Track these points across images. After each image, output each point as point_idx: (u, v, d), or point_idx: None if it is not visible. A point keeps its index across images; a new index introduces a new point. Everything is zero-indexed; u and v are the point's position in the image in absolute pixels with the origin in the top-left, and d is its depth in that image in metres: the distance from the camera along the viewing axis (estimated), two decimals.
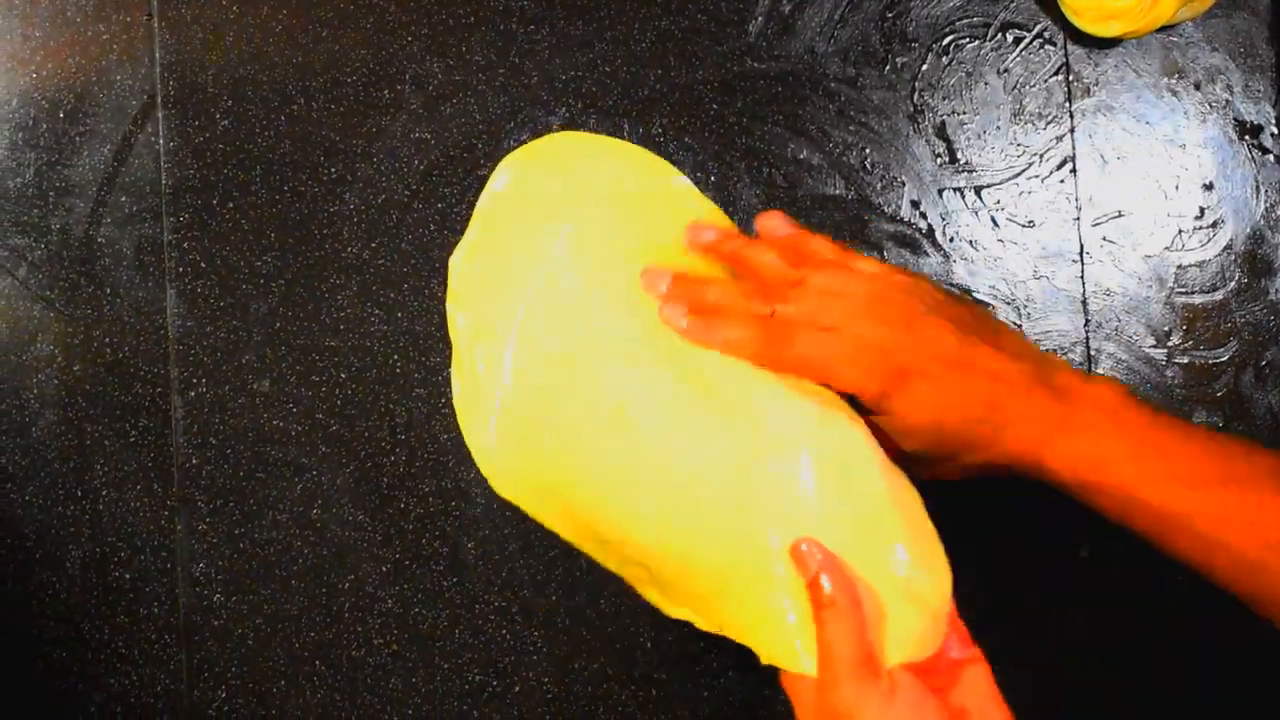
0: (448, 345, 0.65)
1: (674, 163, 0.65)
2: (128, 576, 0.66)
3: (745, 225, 0.65)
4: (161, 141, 0.67)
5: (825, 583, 0.49)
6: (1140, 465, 0.49)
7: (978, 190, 0.65)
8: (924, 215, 0.65)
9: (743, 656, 0.63)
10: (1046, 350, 0.65)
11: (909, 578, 0.51)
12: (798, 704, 0.51)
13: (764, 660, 0.52)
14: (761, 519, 0.52)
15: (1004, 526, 0.62)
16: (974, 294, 0.65)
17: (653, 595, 0.59)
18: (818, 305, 0.52)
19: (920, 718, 0.46)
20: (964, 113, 0.66)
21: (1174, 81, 0.65)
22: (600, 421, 0.56)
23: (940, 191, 0.65)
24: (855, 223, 0.65)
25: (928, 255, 0.65)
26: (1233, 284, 0.64)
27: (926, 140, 0.66)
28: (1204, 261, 0.65)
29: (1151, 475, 0.49)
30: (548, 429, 0.57)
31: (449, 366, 0.65)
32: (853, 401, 0.53)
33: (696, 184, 0.65)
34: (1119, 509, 0.50)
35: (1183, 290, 0.65)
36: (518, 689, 0.64)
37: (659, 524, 0.54)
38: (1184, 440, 0.50)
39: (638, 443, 0.55)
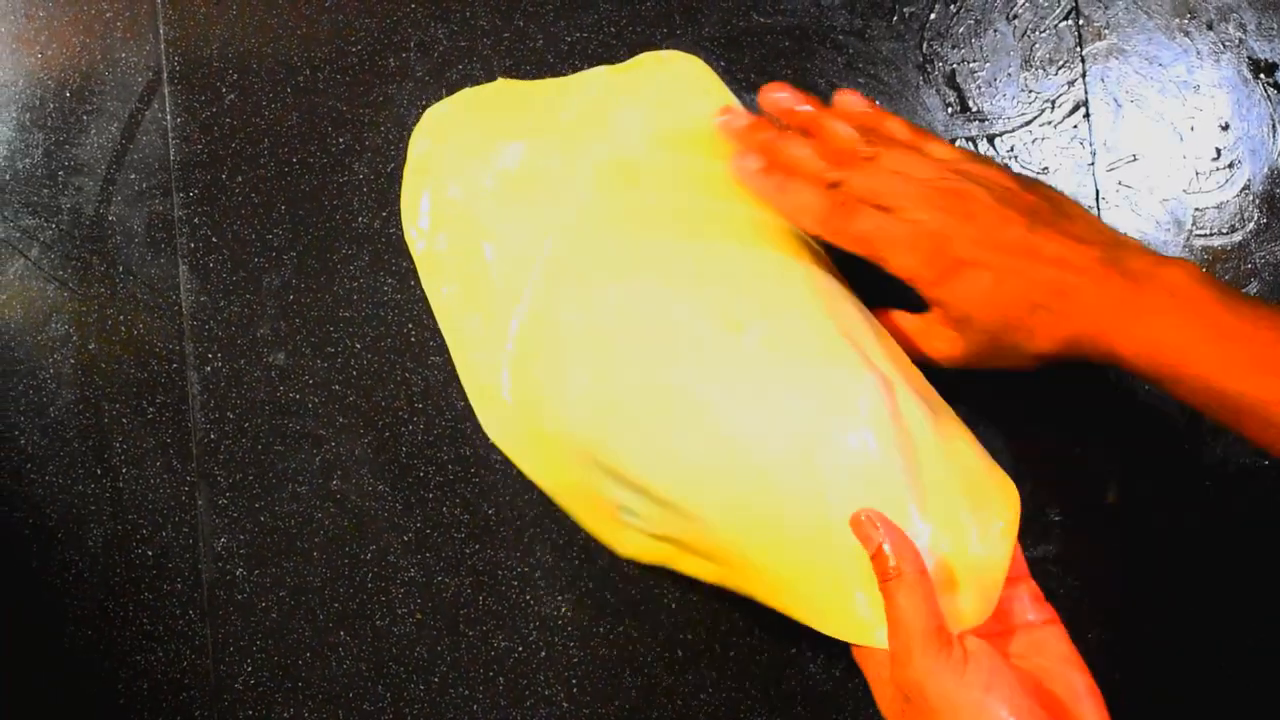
0: None
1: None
2: (150, 553, 0.66)
3: None
4: (169, 118, 0.66)
5: (889, 554, 0.47)
6: (1215, 350, 0.47)
7: (990, 139, 0.65)
8: None
9: (767, 615, 0.63)
10: None
11: (969, 541, 0.50)
12: (871, 678, 0.50)
13: (832, 635, 0.51)
14: (821, 486, 0.50)
15: (1030, 464, 0.62)
16: None
17: (689, 565, 0.58)
18: (884, 183, 0.52)
19: (994, 686, 0.45)
20: (974, 61, 0.65)
21: (1186, 22, 0.64)
22: (649, 371, 0.54)
23: (953, 141, 0.65)
24: None
25: None
26: (1252, 224, 0.64)
27: (937, 90, 0.65)
28: (1222, 203, 0.64)
29: (1227, 361, 0.47)
30: (577, 370, 0.56)
31: None
32: (912, 298, 0.53)
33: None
34: (1195, 396, 0.48)
35: (1201, 233, 0.64)
36: (543, 654, 0.64)
37: (713, 488, 0.52)
38: (1262, 324, 0.47)
39: (691, 398, 0.53)
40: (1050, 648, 0.49)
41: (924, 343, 0.55)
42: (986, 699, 0.44)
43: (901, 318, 0.56)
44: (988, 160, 0.55)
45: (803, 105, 0.57)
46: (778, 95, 0.57)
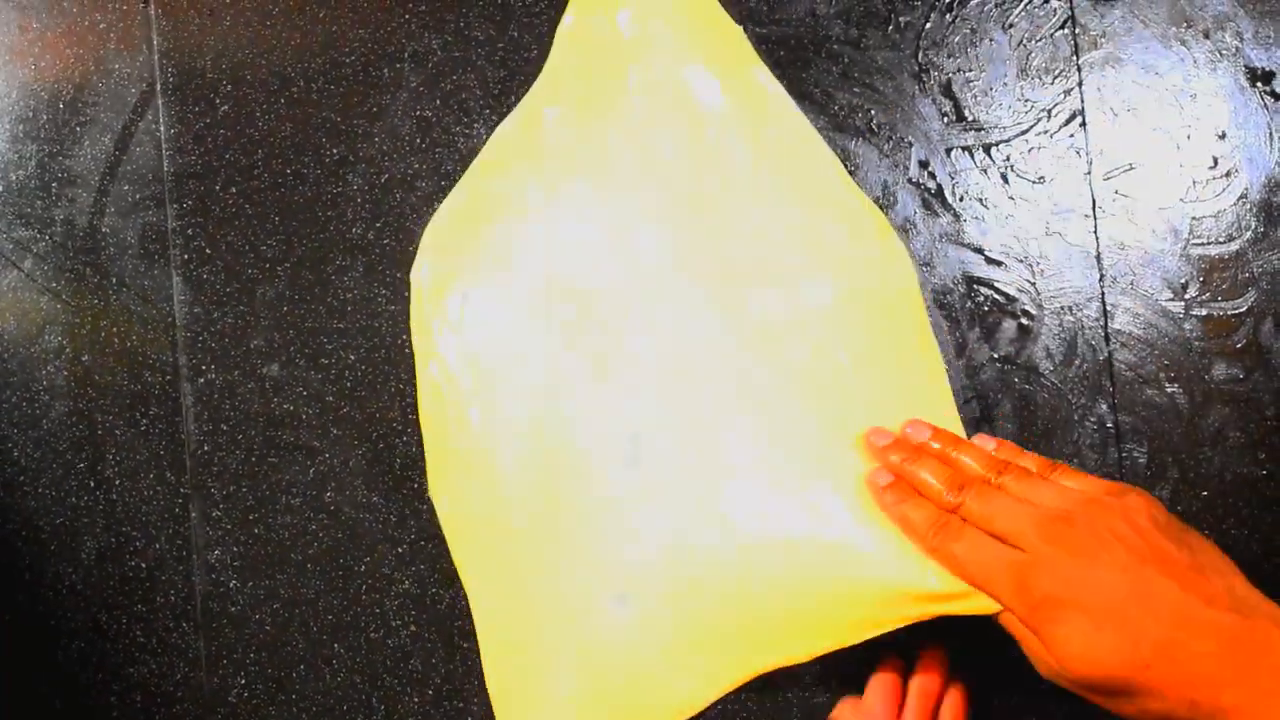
0: None
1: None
2: (143, 565, 0.66)
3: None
4: (162, 129, 0.66)
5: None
6: None
7: (986, 148, 0.64)
8: (933, 175, 0.65)
9: None
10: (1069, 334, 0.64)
11: None
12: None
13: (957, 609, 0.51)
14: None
15: None
16: (985, 253, 0.64)
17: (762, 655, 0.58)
18: (998, 508, 0.50)
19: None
20: (970, 70, 0.65)
21: (1182, 30, 0.64)
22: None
23: (949, 150, 0.65)
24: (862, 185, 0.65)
25: (938, 215, 0.64)
26: (1249, 233, 0.63)
27: (933, 99, 0.65)
28: (1219, 212, 0.63)
29: None
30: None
31: None
32: None
33: None
34: None
35: (1198, 241, 0.64)
36: None
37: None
38: None
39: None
40: None
41: (1030, 651, 0.48)
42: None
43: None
44: (1137, 495, 0.49)
45: (935, 441, 0.57)
46: (914, 431, 0.57)
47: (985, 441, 0.57)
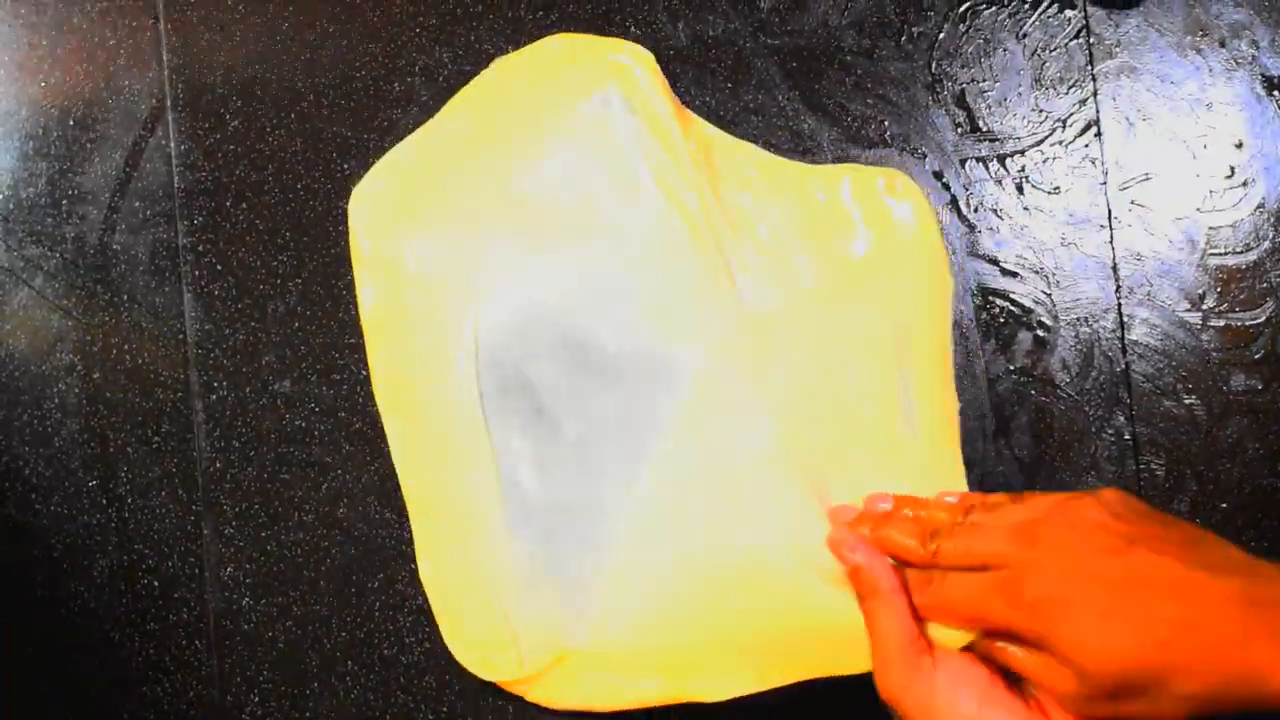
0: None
1: None
2: (156, 584, 0.65)
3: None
4: (172, 145, 0.66)
5: (865, 569, 0.51)
6: None
7: (1001, 159, 0.64)
8: (947, 186, 0.64)
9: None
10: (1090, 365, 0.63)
11: None
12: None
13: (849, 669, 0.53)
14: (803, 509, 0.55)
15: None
16: (1001, 264, 0.64)
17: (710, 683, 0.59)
18: (972, 540, 0.49)
19: (961, 687, 0.46)
20: (984, 80, 0.64)
21: (1198, 39, 0.63)
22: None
23: (963, 162, 0.64)
24: None
25: (953, 227, 0.64)
26: (1267, 243, 0.63)
27: (946, 110, 0.64)
28: (1237, 222, 0.63)
29: None
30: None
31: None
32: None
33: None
34: None
35: (1215, 252, 0.63)
36: None
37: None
38: None
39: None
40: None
41: (1044, 680, 0.46)
42: (957, 698, 0.46)
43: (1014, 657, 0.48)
44: (1110, 490, 0.48)
45: (904, 507, 0.54)
46: (880, 502, 0.55)
47: (947, 496, 0.55)
